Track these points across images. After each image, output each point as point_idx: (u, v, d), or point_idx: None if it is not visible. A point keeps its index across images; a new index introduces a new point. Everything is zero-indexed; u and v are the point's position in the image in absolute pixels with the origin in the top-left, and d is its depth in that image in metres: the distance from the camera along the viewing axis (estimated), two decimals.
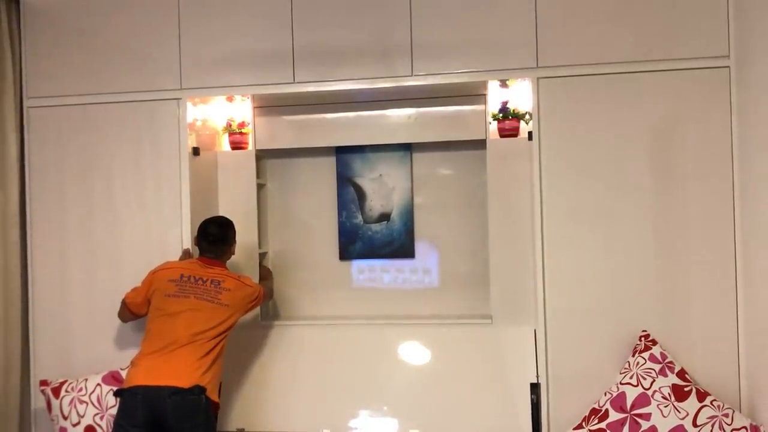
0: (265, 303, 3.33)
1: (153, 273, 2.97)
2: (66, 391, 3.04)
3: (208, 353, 2.77)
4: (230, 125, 3.52)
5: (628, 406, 2.71)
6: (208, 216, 3.11)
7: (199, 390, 2.68)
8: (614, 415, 2.71)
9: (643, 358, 2.78)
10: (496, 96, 3.29)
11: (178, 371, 2.70)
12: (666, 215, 2.89)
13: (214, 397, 2.79)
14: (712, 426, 2.62)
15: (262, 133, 3.50)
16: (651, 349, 2.79)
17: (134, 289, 2.99)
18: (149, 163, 3.22)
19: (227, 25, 3.17)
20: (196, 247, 3.04)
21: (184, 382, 2.67)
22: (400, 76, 3.07)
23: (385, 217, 3.56)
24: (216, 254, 2.99)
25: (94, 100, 3.25)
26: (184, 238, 3.17)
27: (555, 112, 2.97)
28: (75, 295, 3.25)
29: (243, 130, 3.51)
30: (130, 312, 3.01)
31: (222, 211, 3.43)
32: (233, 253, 3.09)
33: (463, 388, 3.11)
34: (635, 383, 2.74)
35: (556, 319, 2.96)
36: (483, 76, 3.05)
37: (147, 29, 3.22)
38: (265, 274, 3.51)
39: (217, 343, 2.82)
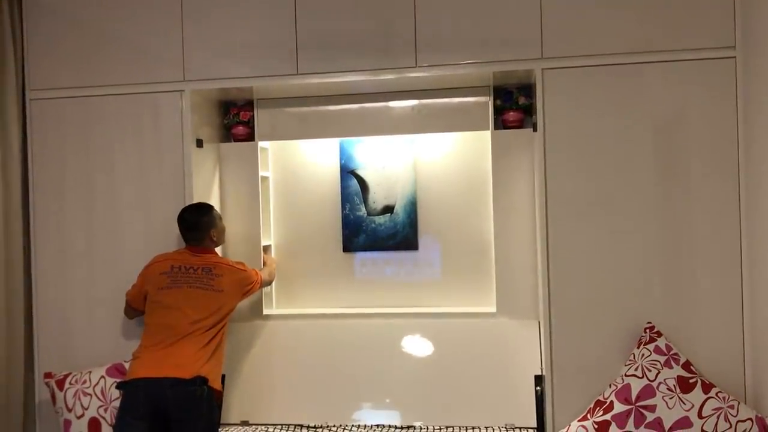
0: (263, 288, 3.28)
1: (146, 268, 2.98)
2: (70, 383, 3.04)
3: (208, 343, 2.77)
4: (234, 117, 3.50)
5: (633, 398, 2.70)
6: None
7: (200, 381, 2.68)
8: (619, 407, 2.71)
9: (648, 350, 2.78)
10: (500, 87, 3.27)
11: (179, 362, 2.70)
12: (671, 207, 2.88)
13: (216, 385, 2.80)
14: (718, 417, 2.61)
15: (266, 125, 3.49)
16: (656, 340, 2.79)
17: (132, 286, 3.01)
18: (152, 155, 3.21)
19: (230, 16, 3.15)
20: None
21: (185, 373, 2.68)
22: (404, 68, 3.05)
23: (388, 209, 3.55)
24: (197, 240, 2.98)
25: (96, 93, 3.23)
26: None
27: (559, 104, 2.95)
28: (78, 288, 3.25)
29: (246, 122, 3.49)
30: (133, 309, 3.04)
31: (225, 203, 3.42)
32: (215, 239, 3.04)
33: (467, 380, 3.12)
34: (640, 375, 2.73)
35: (561, 312, 2.95)
36: (487, 68, 3.03)
37: (150, 21, 3.20)
38: (268, 262, 3.49)
39: (217, 332, 2.82)
